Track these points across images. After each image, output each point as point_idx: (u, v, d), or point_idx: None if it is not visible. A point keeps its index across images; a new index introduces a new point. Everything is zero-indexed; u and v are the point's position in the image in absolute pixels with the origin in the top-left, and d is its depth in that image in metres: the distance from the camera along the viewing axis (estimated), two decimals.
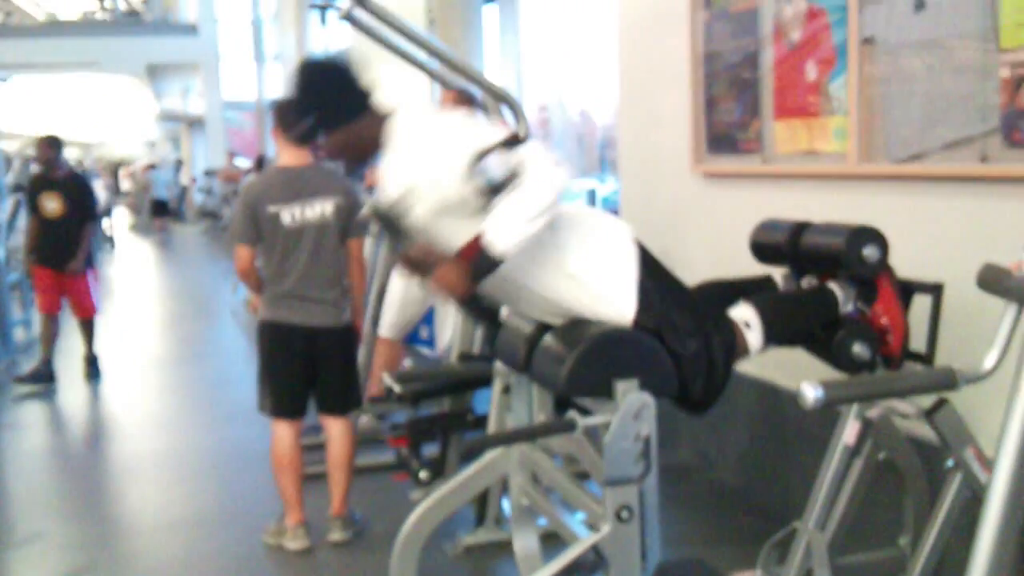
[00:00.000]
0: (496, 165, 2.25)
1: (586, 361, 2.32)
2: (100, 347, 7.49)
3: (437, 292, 2.42)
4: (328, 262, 3.77)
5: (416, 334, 5.41)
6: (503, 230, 2.27)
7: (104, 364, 7.43)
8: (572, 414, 2.30)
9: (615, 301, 2.44)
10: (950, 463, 2.48)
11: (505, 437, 2.38)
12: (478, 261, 2.31)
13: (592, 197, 8.78)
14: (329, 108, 2.53)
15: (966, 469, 2.45)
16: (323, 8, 4.88)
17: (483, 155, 2.27)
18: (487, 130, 2.38)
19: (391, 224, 2.49)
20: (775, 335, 2.62)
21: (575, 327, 2.49)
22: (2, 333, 7.97)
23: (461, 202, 2.36)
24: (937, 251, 3.00)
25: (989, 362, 1.43)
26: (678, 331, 2.44)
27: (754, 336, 2.57)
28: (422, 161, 2.40)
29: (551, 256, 2.44)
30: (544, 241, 2.40)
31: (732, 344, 2.54)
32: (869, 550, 3.00)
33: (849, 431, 2.71)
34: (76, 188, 7.08)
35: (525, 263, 2.40)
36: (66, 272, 6.98)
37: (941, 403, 2.44)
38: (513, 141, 2.30)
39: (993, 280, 1.43)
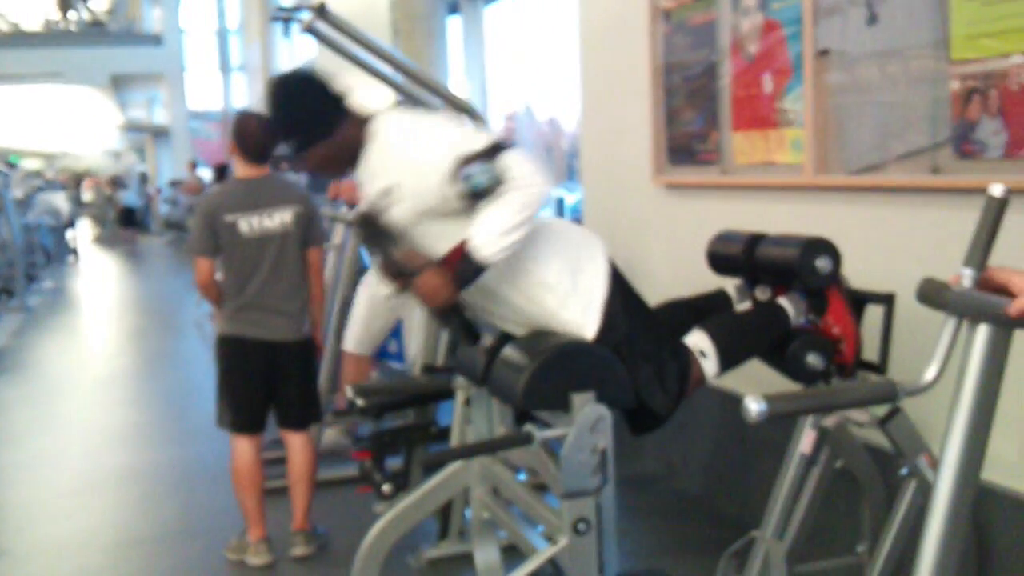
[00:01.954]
0: (480, 170, 2.25)
1: (543, 374, 2.33)
2: None
3: (419, 300, 2.41)
4: (289, 272, 3.75)
5: (385, 348, 5.38)
6: (488, 238, 2.27)
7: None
8: (529, 427, 2.31)
9: (579, 315, 2.46)
10: (904, 471, 2.52)
11: (463, 451, 2.39)
12: (462, 268, 2.31)
13: (560, 206, 8.78)
14: (308, 125, 2.50)
15: (920, 476, 2.49)
16: (286, 20, 4.88)
17: (468, 159, 2.26)
18: (472, 134, 2.37)
19: (373, 227, 2.46)
20: (730, 360, 2.65)
21: (532, 340, 2.50)
22: None
23: (443, 204, 2.34)
24: (893, 261, 3.04)
25: (930, 374, 1.45)
26: (635, 353, 2.46)
27: (710, 364, 2.60)
28: (406, 160, 2.38)
29: (523, 263, 2.44)
30: (522, 249, 2.40)
31: (687, 373, 2.57)
32: (827, 558, 3.03)
33: (805, 440, 2.74)
34: None
35: (498, 268, 2.40)
36: None
37: (894, 412, 2.47)
38: (497, 148, 2.30)
39: (932, 294, 1.45)
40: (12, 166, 16.84)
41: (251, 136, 3.75)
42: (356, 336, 4.73)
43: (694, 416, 4.27)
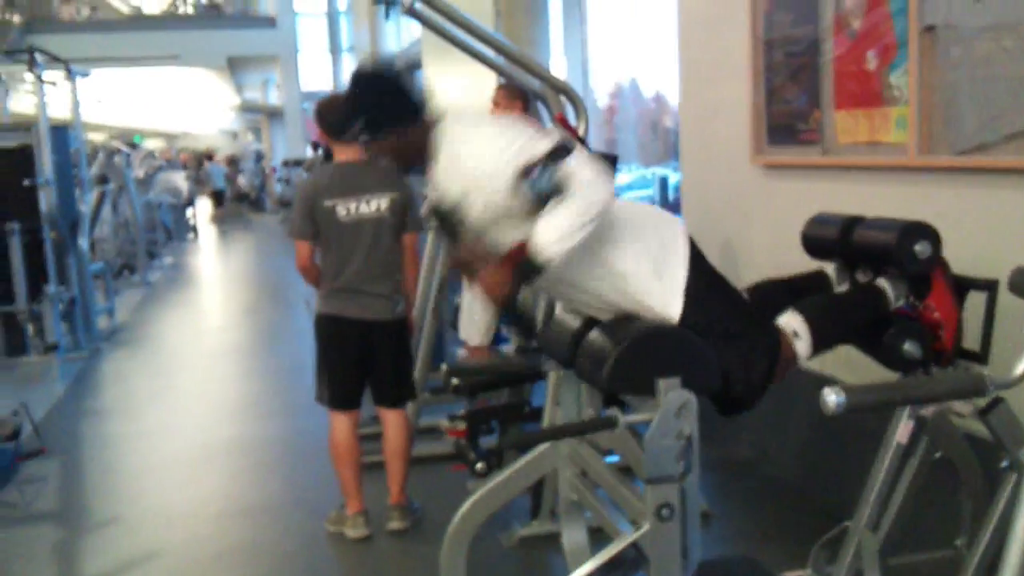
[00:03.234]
0: (543, 175, 2.29)
1: (628, 359, 2.32)
2: None
3: (480, 293, 2.47)
4: (384, 256, 3.82)
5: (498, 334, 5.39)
6: (548, 239, 2.30)
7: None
8: (614, 411, 2.31)
9: (661, 299, 2.45)
10: (1005, 463, 2.43)
11: (546, 434, 2.41)
12: (522, 267, 2.35)
13: (664, 185, 8.66)
14: (377, 114, 2.58)
15: (1022, 469, 2.39)
16: (387, 3, 4.94)
17: (531, 165, 2.30)
18: (535, 138, 2.39)
19: (442, 220, 2.56)
20: (824, 342, 2.59)
21: (619, 324, 2.49)
22: (87, 321, 8.24)
23: (508, 210, 2.40)
24: (998, 246, 2.92)
25: (1021, 367, 1.40)
26: (721, 335, 2.43)
27: (803, 345, 2.54)
28: (469, 170, 2.44)
29: (601, 253, 2.45)
30: (595, 237, 2.41)
31: (776, 353, 2.52)
32: (924, 550, 2.95)
33: (902, 430, 2.67)
34: None
35: (574, 260, 2.42)
36: None
37: (996, 402, 2.38)
38: (560, 151, 2.32)
39: None
40: (135, 146, 17.49)
41: (328, 113, 3.83)
42: (474, 328, 4.76)
43: (790, 401, 4.20)
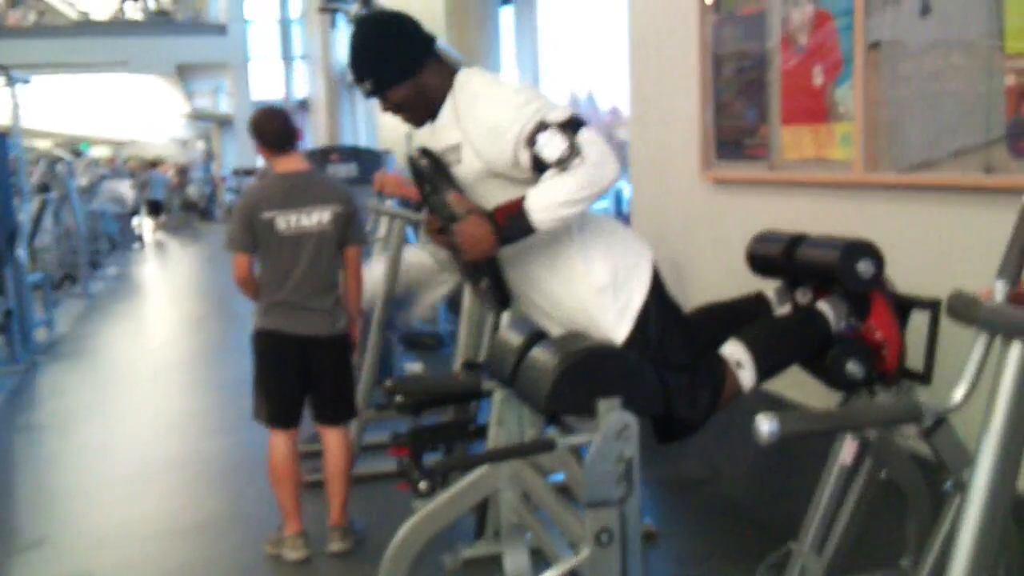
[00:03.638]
0: (553, 140, 2.24)
1: (568, 379, 2.27)
2: None
3: (457, 246, 2.36)
4: (325, 270, 3.74)
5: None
6: (546, 202, 2.25)
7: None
8: (553, 433, 2.25)
9: (613, 317, 2.41)
10: (949, 484, 2.41)
11: (483, 457, 2.34)
12: (512, 222, 2.28)
13: (618, 198, 8.65)
14: (395, 62, 2.47)
15: (965, 489, 2.37)
16: (333, 11, 4.87)
17: (543, 127, 2.25)
18: (552, 106, 2.34)
19: (433, 164, 2.45)
20: (768, 371, 2.58)
21: (560, 343, 2.44)
22: (24, 333, 8.03)
23: (510, 168, 2.34)
24: (943, 264, 2.91)
25: (958, 394, 1.37)
26: (667, 363, 2.40)
27: (746, 376, 2.53)
28: (483, 118, 2.37)
29: (569, 251, 2.43)
30: (569, 235, 2.41)
31: (720, 384, 2.50)
32: (869, 570, 2.92)
33: (846, 451, 2.64)
34: None
35: (546, 251, 2.41)
36: None
37: (939, 423, 2.36)
38: (575, 123, 2.27)
39: (962, 308, 1.36)
40: (80, 154, 17.16)
41: (267, 127, 3.74)
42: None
43: (740, 420, 4.16)
